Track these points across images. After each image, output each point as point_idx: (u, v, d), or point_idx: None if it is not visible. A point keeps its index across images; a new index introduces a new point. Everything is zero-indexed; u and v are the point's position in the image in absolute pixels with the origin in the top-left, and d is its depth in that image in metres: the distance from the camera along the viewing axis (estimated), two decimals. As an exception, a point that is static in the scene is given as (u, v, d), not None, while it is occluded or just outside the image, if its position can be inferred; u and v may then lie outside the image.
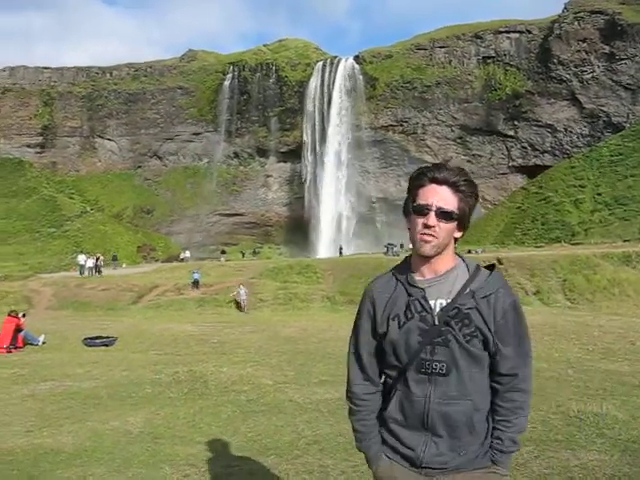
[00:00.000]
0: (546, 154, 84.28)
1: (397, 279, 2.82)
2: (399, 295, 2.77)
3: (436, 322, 2.66)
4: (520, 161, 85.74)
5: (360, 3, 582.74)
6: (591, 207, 68.71)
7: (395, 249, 55.62)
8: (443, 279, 2.73)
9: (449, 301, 2.67)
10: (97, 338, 17.83)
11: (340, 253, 68.78)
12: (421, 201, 2.67)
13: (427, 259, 2.72)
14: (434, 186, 2.67)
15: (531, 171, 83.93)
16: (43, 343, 17.50)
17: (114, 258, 63.80)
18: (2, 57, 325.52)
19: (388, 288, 2.83)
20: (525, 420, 2.80)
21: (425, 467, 2.71)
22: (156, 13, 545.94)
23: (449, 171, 2.68)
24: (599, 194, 69.50)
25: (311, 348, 15.64)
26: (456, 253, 2.81)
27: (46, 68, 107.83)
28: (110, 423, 8.10)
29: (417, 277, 2.77)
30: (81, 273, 46.95)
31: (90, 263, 48.41)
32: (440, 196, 2.65)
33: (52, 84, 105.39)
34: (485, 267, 2.83)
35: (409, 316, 2.70)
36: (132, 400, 9.62)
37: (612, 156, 72.76)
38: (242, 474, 5.99)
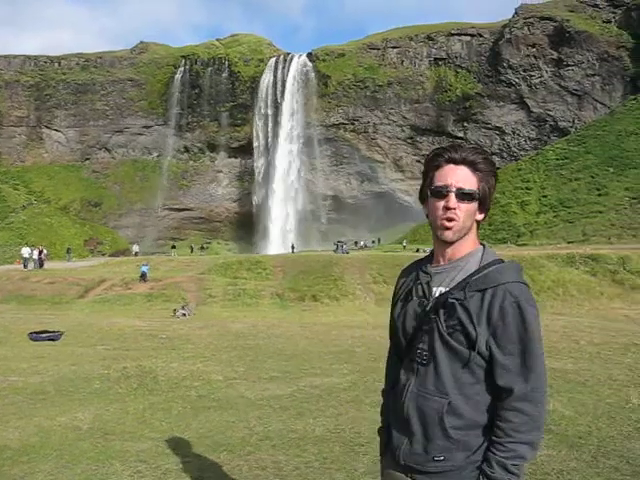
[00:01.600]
0: (494, 156, 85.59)
1: (418, 266, 2.74)
2: (412, 280, 2.70)
3: (427, 308, 2.55)
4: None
5: (315, 1, 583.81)
6: (537, 209, 70.12)
7: (345, 247, 55.92)
8: (452, 266, 2.60)
9: (447, 289, 2.54)
10: (43, 332, 17.44)
11: (292, 250, 68.97)
12: (439, 183, 2.55)
13: (446, 245, 2.60)
14: (452, 166, 2.56)
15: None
16: (-14, 337, 17.08)
17: (68, 251, 63.95)
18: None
19: (407, 273, 2.78)
20: (526, 449, 2.43)
21: (405, 466, 2.57)
22: (108, 3, 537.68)
23: (466, 150, 2.57)
24: (545, 196, 71.00)
25: (261, 344, 15.60)
26: (482, 243, 2.67)
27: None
28: (58, 419, 7.94)
29: (432, 264, 2.68)
30: (25, 266, 45.88)
31: (35, 256, 47.43)
32: (459, 176, 2.53)
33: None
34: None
35: (409, 299, 2.64)
36: (80, 395, 9.45)
37: (558, 160, 74.42)
38: (194, 470, 5.95)
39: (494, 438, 2.45)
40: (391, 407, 2.70)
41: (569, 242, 54.00)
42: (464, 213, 2.53)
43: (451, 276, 2.57)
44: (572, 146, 74.96)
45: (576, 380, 9.96)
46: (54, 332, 17.58)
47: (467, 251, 2.61)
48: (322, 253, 50.49)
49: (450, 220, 2.52)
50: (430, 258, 2.74)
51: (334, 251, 52.83)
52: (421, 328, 2.55)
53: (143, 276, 36.12)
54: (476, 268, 2.54)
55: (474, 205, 2.56)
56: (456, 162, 2.55)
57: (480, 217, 2.63)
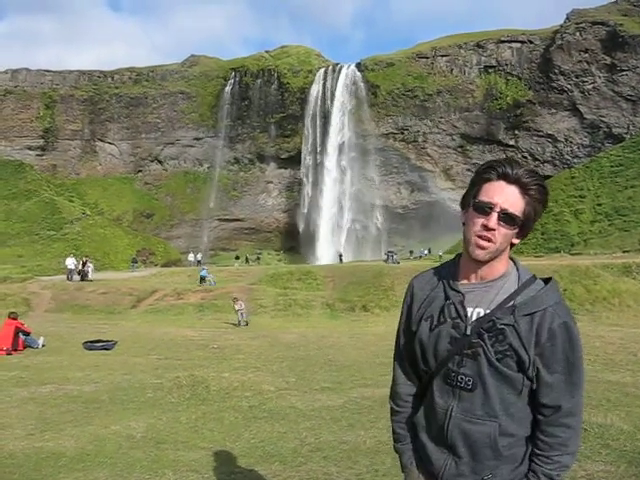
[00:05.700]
0: (546, 164, 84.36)
1: (440, 278, 2.59)
2: (437, 295, 2.54)
3: (468, 332, 2.41)
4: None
5: (364, 12, 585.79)
6: (591, 217, 68.71)
7: (395, 257, 55.57)
8: (488, 287, 2.47)
9: (487, 312, 2.41)
10: (97, 342, 17.77)
11: (340, 260, 68.84)
12: (484, 198, 2.39)
13: (477, 263, 2.45)
14: (502, 183, 2.38)
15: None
16: (43, 346, 17.43)
17: (134, 260, 65.02)
18: (4, 59, 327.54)
19: (429, 285, 2.60)
20: (570, 458, 2.44)
21: None
22: (160, 18, 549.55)
23: (522, 170, 2.38)
24: (599, 205, 69.51)
25: (312, 354, 15.60)
26: (511, 258, 2.53)
27: (48, 71, 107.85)
28: (112, 427, 8.06)
29: (461, 280, 2.53)
30: (69, 278, 43.68)
31: (78, 266, 46.68)
32: (506, 196, 2.37)
33: (54, 87, 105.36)
34: (542, 280, 2.49)
35: (441, 320, 2.48)
36: (134, 404, 9.57)
37: (612, 167, 72.82)
38: (246, 481, 5.96)
39: (539, 451, 2.43)
40: (424, 426, 2.62)
41: (625, 251, 52.67)
42: (502, 236, 2.38)
43: (489, 297, 2.45)
44: (627, 153, 73.29)
45: (634, 394, 9.70)
46: (108, 341, 17.88)
47: (502, 271, 2.48)
48: (372, 263, 50.34)
49: (486, 240, 2.38)
50: (453, 271, 2.60)
51: (384, 261, 52.50)
52: (460, 352, 2.43)
53: (202, 280, 36.67)
54: (515, 288, 2.44)
55: (514, 230, 2.41)
56: (508, 180, 2.39)
57: (516, 241, 2.47)
